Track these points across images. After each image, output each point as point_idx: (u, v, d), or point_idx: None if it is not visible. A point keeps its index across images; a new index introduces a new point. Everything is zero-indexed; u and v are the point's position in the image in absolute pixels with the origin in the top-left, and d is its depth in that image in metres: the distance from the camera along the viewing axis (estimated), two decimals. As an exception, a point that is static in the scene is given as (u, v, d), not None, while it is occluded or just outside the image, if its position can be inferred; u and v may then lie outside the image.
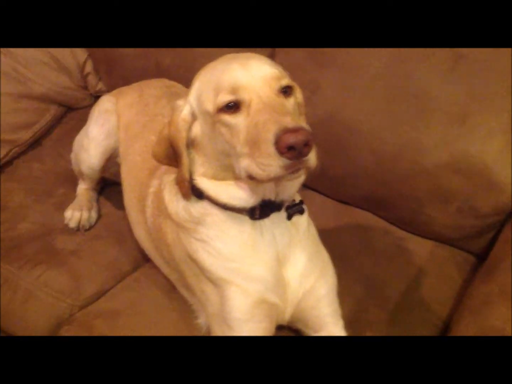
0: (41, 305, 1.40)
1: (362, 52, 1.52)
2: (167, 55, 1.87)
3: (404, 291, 1.40)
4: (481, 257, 1.48)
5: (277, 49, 1.68)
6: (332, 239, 1.31)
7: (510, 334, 1.03)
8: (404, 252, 1.52)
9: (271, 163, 0.89)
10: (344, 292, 1.26)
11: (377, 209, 1.63)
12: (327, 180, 1.67)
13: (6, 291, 1.44)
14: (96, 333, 1.27)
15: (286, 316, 1.17)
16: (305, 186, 1.64)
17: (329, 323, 1.19)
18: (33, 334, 1.40)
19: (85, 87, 2.17)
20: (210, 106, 0.99)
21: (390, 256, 1.50)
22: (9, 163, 1.86)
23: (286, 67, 1.06)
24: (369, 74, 1.52)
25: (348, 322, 1.22)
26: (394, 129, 1.49)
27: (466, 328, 1.14)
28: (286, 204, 1.10)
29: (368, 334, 1.28)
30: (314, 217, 1.25)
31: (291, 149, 0.87)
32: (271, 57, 1.64)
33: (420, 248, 1.54)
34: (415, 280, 1.43)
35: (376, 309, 1.34)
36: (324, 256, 1.22)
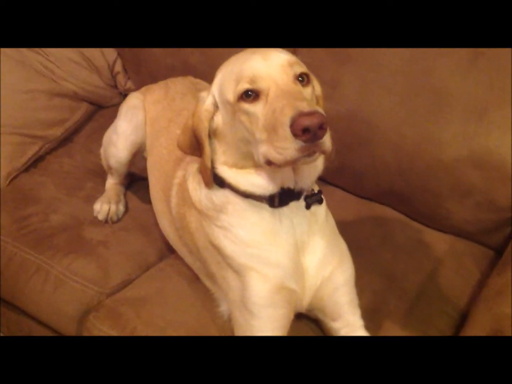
0: (71, 292, 1.46)
1: (382, 49, 1.54)
2: (193, 54, 1.93)
3: (422, 283, 1.42)
4: (500, 251, 1.49)
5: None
6: (352, 233, 1.35)
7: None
8: (423, 245, 1.54)
9: (287, 146, 0.93)
10: (363, 284, 1.29)
11: (397, 203, 1.65)
12: (348, 176, 1.70)
13: (38, 279, 1.50)
14: (123, 319, 1.32)
15: (304, 304, 1.20)
16: (325, 181, 1.71)
17: (347, 312, 1.21)
18: (63, 320, 1.46)
19: (115, 86, 2.24)
20: (230, 96, 1.04)
21: (409, 249, 1.52)
22: (41, 158, 1.92)
23: (308, 64, 1.09)
24: (390, 70, 1.54)
25: (367, 312, 1.25)
26: (414, 125, 1.51)
27: (480, 316, 1.16)
28: (305, 193, 1.14)
29: (386, 324, 1.30)
30: (334, 212, 1.28)
31: (306, 132, 0.90)
32: (293, 53, 1.68)
33: (439, 241, 1.55)
34: (434, 272, 1.45)
35: (395, 300, 1.36)
36: (342, 246, 1.25)
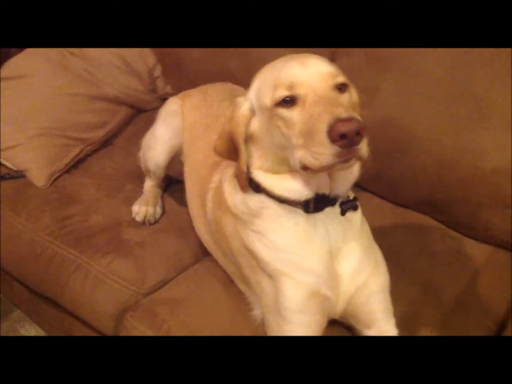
0: (109, 291, 1.49)
1: (423, 57, 1.53)
2: (232, 59, 1.95)
3: (459, 293, 1.39)
4: (541, 263, 1.46)
5: (337, 53, 1.72)
6: (388, 241, 1.34)
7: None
8: (462, 255, 1.51)
9: (324, 152, 0.93)
10: (398, 293, 1.28)
11: (435, 212, 1.63)
12: (385, 183, 1.68)
13: (77, 277, 1.54)
14: (159, 319, 1.34)
15: (338, 310, 1.19)
16: (362, 188, 1.70)
17: (381, 320, 1.21)
18: (101, 317, 1.50)
19: (154, 90, 2.28)
20: (268, 101, 1.05)
21: (447, 259, 1.50)
22: (83, 160, 1.97)
23: (346, 71, 1.09)
24: (430, 78, 1.52)
25: (401, 321, 1.24)
26: (454, 133, 1.49)
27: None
28: (340, 199, 1.14)
29: (421, 334, 1.28)
30: (370, 219, 1.27)
31: (343, 138, 0.91)
32: (332, 61, 1.68)
33: (478, 252, 1.52)
34: (471, 283, 1.42)
35: (431, 310, 1.34)
36: (377, 253, 1.24)
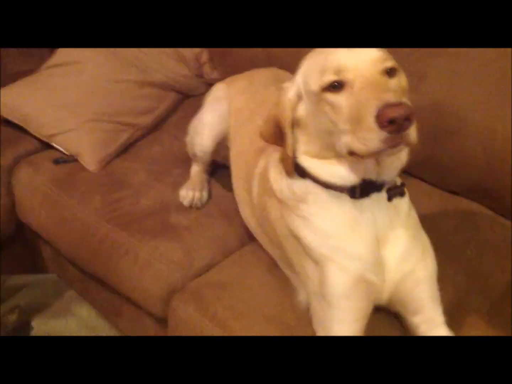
0: (157, 273, 1.53)
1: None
2: (277, 45, 1.94)
3: (509, 282, 1.36)
4: None
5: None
6: (435, 227, 1.32)
7: None
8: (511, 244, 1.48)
9: (372, 137, 0.93)
10: (446, 281, 1.26)
11: (485, 199, 1.59)
12: (434, 169, 1.66)
13: (127, 260, 1.58)
14: (205, 302, 1.37)
15: (384, 297, 1.19)
16: (409, 173, 1.68)
17: (428, 307, 1.20)
18: (149, 299, 1.54)
19: (201, 76, 2.30)
20: (315, 86, 1.04)
21: (496, 247, 1.47)
22: (132, 144, 2.01)
23: (394, 54, 1.08)
24: (481, 62, 1.49)
25: (448, 309, 1.22)
26: (505, 118, 1.44)
27: None
28: (387, 185, 1.13)
29: (468, 322, 1.26)
30: (418, 205, 1.25)
31: (392, 123, 0.90)
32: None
33: (528, 240, 1.49)
34: (522, 272, 1.39)
35: (478, 298, 1.32)
36: (424, 240, 1.23)
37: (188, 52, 2.24)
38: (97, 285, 1.83)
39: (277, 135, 1.16)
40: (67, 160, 1.92)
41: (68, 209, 1.77)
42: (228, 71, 2.07)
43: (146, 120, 2.06)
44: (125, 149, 1.99)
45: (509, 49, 1.43)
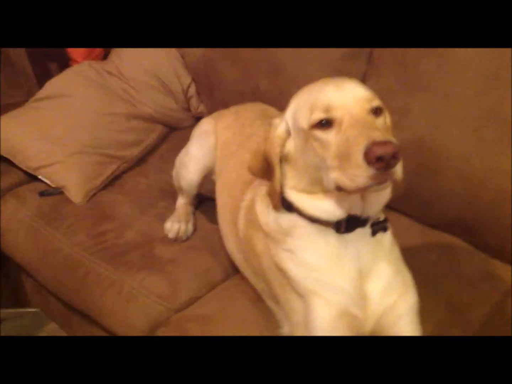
0: (142, 306, 1.53)
1: (453, 79, 1.54)
2: (263, 80, 1.99)
3: (488, 315, 1.39)
4: None
5: (368, 73, 1.75)
6: (416, 261, 1.33)
7: None
8: (490, 277, 1.51)
9: (360, 173, 0.95)
10: (426, 314, 1.27)
11: (464, 233, 1.62)
12: (414, 203, 1.69)
13: (112, 293, 1.58)
14: (189, 335, 1.37)
15: (366, 331, 1.20)
16: (391, 208, 1.70)
17: (410, 340, 1.21)
18: (133, 332, 1.52)
19: (188, 109, 2.34)
20: (304, 123, 1.08)
21: (475, 281, 1.50)
22: (118, 177, 2.03)
23: (377, 91, 1.12)
24: (460, 100, 1.53)
25: (430, 342, 1.24)
26: (483, 155, 1.49)
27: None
28: (371, 220, 1.16)
29: (450, 355, 1.28)
30: (399, 239, 1.28)
31: (379, 160, 0.93)
32: (363, 81, 1.71)
33: (507, 274, 1.51)
34: (500, 305, 1.41)
35: (458, 332, 1.34)
36: (406, 275, 1.25)
37: (176, 86, 2.27)
38: (79, 318, 1.81)
39: (265, 169, 1.18)
40: (53, 192, 1.92)
41: (52, 241, 1.77)
42: (214, 105, 2.12)
43: (133, 152, 2.08)
44: (110, 181, 2.00)
45: (487, 89, 1.49)
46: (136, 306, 1.54)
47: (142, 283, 1.56)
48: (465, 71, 1.52)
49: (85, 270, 1.65)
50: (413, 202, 1.68)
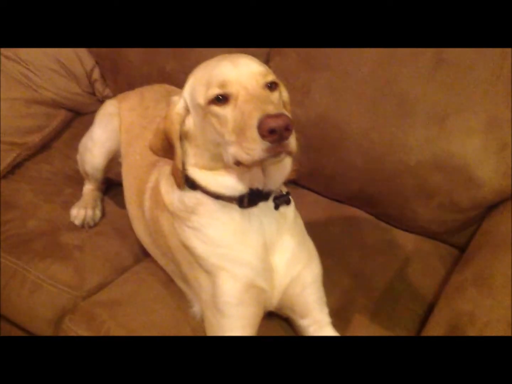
0: (47, 296, 1.48)
1: (350, 57, 1.60)
2: (169, 62, 1.97)
3: (390, 282, 1.47)
4: (464, 249, 1.54)
5: (271, 53, 1.77)
6: (322, 233, 1.40)
7: (478, 317, 1.10)
8: (391, 245, 1.60)
9: (255, 147, 0.97)
10: (332, 284, 1.34)
11: (366, 205, 1.71)
12: (319, 179, 1.75)
13: (14, 283, 1.52)
14: (98, 321, 1.34)
15: (273, 302, 1.24)
16: (298, 184, 1.75)
17: (315, 310, 1.26)
18: (39, 323, 1.48)
19: (93, 93, 2.27)
20: (201, 100, 1.08)
21: (377, 249, 1.58)
22: (20, 164, 1.94)
23: (281, 70, 1.15)
24: (358, 77, 1.59)
25: (335, 310, 1.30)
26: (381, 130, 1.57)
27: (439, 312, 1.22)
28: (273, 194, 1.18)
29: (354, 321, 1.34)
30: (306, 213, 1.33)
31: (272, 133, 0.95)
32: (267, 61, 1.73)
33: (407, 242, 1.61)
34: (401, 271, 1.50)
35: (363, 299, 1.41)
36: (310, 246, 1.29)
37: (79, 70, 2.19)
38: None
39: (166, 148, 1.18)
40: None
41: None
42: (120, 88, 2.06)
43: (34, 139, 1.99)
44: (12, 170, 1.91)
45: (383, 65, 1.56)
46: (41, 296, 1.49)
47: (47, 272, 1.51)
48: (361, 49, 1.57)
49: (-15, 262, 1.57)
50: (318, 178, 1.74)
